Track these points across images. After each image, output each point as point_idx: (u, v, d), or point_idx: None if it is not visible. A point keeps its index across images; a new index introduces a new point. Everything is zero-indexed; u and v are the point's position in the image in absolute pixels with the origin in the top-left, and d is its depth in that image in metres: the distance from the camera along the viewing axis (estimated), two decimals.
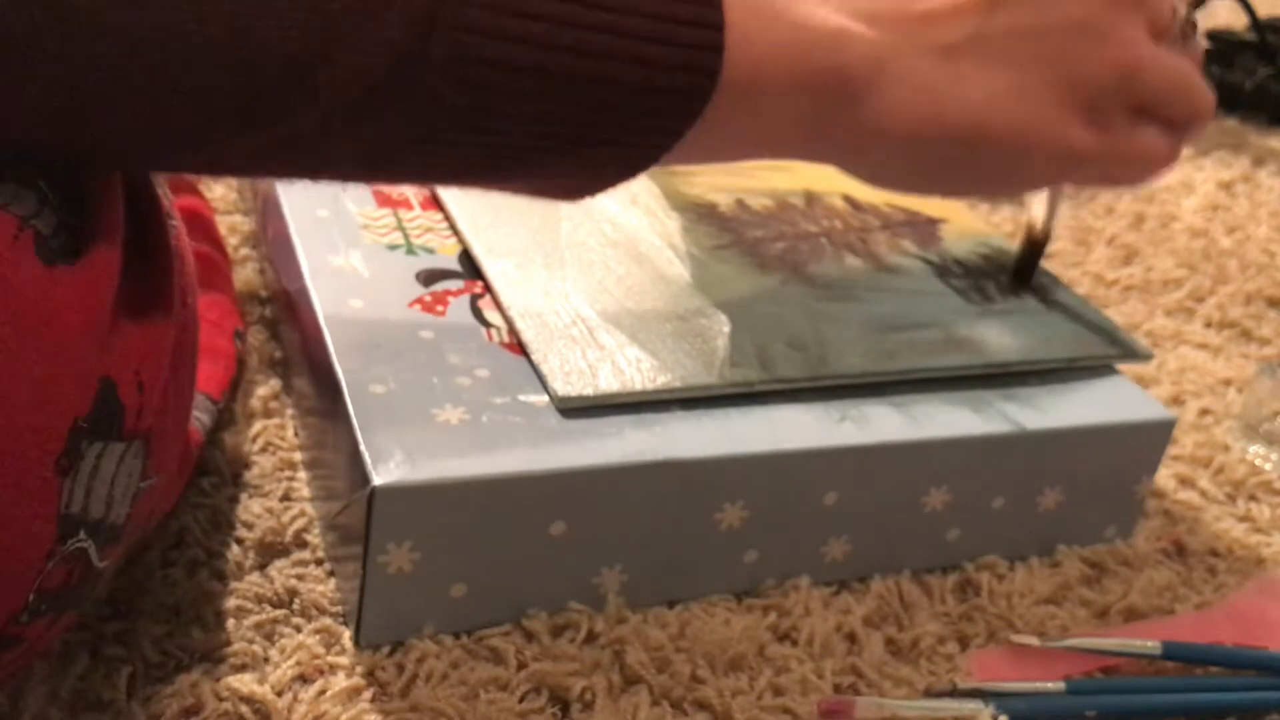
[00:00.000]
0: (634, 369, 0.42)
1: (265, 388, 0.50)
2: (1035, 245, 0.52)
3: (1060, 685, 0.40)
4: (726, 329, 0.45)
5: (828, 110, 0.37)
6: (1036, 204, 0.52)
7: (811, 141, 0.38)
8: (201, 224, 0.55)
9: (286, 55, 0.28)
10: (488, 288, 0.46)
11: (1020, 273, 0.53)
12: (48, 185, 0.29)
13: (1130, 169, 0.43)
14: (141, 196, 0.33)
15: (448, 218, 0.50)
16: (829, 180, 0.58)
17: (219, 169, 0.33)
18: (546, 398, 0.40)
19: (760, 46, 0.34)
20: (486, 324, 0.44)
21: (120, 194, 0.31)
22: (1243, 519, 0.52)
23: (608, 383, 0.41)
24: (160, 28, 0.27)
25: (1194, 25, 0.44)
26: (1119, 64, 0.40)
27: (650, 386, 0.41)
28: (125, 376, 0.29)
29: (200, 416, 0.43)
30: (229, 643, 0.38)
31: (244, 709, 0.36)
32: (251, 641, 0.38)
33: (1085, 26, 0.39)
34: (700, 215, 0.53)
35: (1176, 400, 0.60)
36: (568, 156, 0.34)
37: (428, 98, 0.30)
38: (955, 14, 0.38)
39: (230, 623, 0.39)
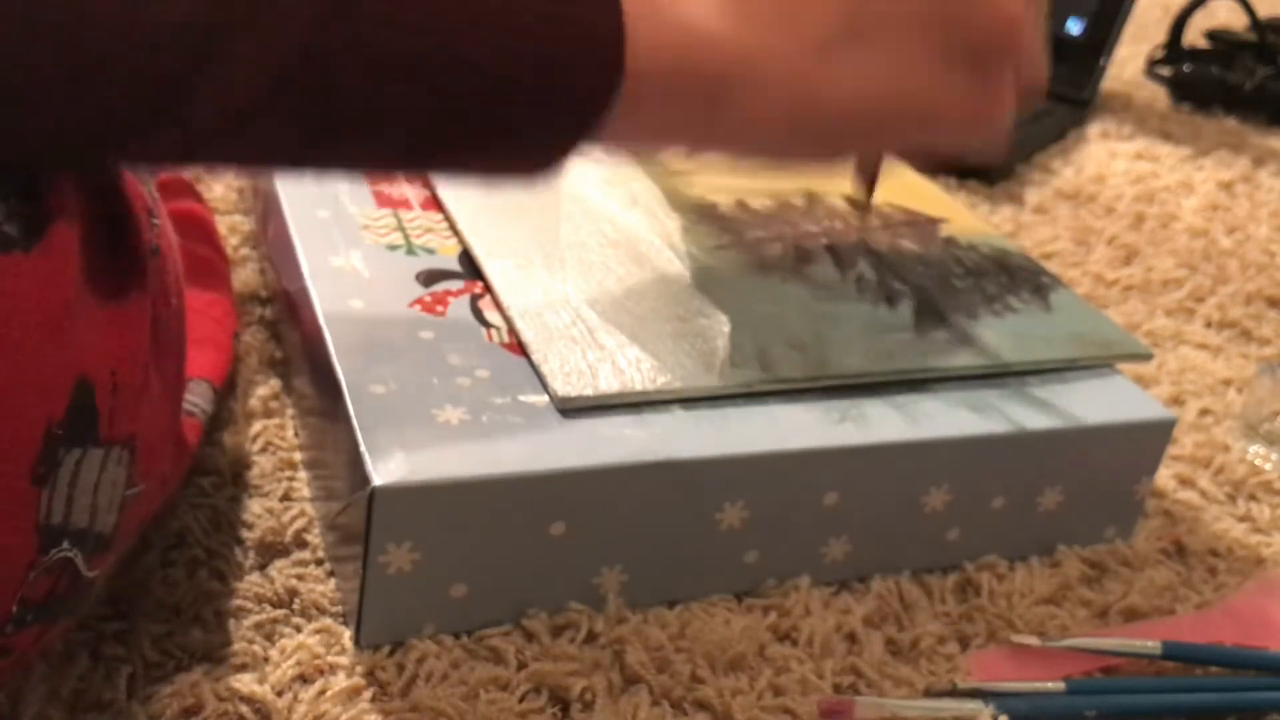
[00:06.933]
0: (634, 369, 0.42)
1: (265, 388, 0.50)
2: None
3: (1060, 685, 0.40)
4: (726, 329, 0.45)
5: (707, 112, 0.36)
6: None
7: (700, 142, 0.38)
8: (201, 227, 0.55)
9: (187, 40, 0.26)
10: (488, 288, 0.46)
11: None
12: None
13: (987, 122, 0.41)
14: (113, 192, 0.32)
15: (448, 218, 0.50)
16: (829, 180, 0.58)
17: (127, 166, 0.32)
18: (546, 398, 0.40)
19: (644, 45, 0.33)
20: (486, 324, 0.44)
21: (71, 178, 0.29)
22: (1243, 519, 0.52)
23: (608, 383, 0.41)
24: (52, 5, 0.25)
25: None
26: (1006, 21, 0.39)
27: (650, 387, 0.41)
28: (102, 377, 0.28)
29: (200, 404, 0.43)
30: (229, 643, 0.38)
31: (244, 709, 0.36)
32: (251, 641, 0.38)
33: None
34: (700, 215, 0.53)
35: (1176, 400, 0.60)
36: (487, 147, 0.33)
37: (333, 88, 0.29)
38: (830, 2, 0.37)
39: (230, 623, 0.39)
